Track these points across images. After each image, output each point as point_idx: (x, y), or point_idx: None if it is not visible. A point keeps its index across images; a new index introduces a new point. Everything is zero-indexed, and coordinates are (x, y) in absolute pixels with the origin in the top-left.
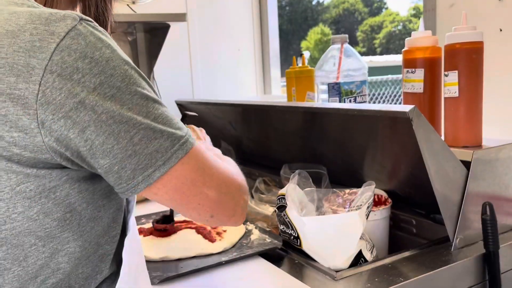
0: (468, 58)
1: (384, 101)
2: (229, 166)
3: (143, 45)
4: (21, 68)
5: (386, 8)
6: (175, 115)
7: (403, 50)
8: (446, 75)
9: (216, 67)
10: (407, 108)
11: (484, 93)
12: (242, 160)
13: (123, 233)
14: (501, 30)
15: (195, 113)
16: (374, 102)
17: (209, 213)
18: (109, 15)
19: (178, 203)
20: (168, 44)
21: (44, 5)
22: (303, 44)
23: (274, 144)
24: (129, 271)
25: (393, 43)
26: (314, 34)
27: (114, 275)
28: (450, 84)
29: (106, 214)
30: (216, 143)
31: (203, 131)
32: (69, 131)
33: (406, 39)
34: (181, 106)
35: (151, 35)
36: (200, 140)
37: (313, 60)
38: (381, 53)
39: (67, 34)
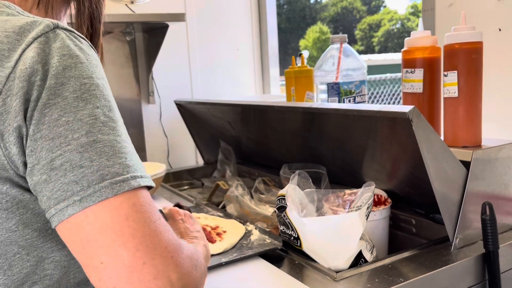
0: (467, 58)
1: (382, 100)
2: (180, 241)
3: (142, 45)
4: None
5: (385, 7)
6: (136, 154)
7: (402, 50)
8: (445, 75)
9: (215, 66)
10: (407, 108)
11: (484, 93)
12: (242, 159)
13: None
14: (500, 30)
15: (188, 208)
16: (373, 101)
17: (113, 283)
18: (103, 10)
19: (79, 255)
20: (166, 44)
21: (38, 5)
22: (302, 42)
23: (273, 144)
24: None
25: (391, 41)
26: (312, 32)
27: None
28: (449, 84)
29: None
30: (215, 143)
31: (187, 215)
32: (20, 142)
33: (405, 39)
34: (180, 106)
35: (150, 35)
36: (186, 236)
37: (312, 59)
38: (379, 52)
39: (35, 40)
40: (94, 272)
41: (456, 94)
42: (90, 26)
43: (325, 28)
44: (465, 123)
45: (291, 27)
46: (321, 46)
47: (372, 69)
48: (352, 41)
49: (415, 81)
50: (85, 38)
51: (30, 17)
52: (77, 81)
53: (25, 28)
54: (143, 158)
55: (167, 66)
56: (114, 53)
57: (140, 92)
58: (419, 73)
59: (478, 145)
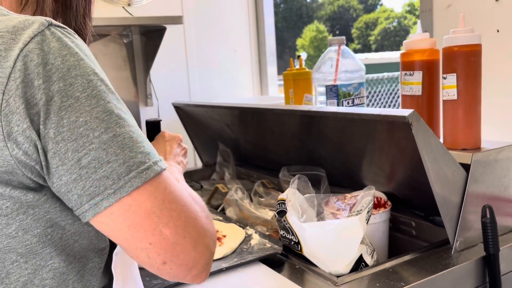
0: (466, 61)
1: (380, 100)
2: (197, 207)
3: (139, 48)
4: None
5: (381, 5)
6: (146, 139)
7: (400, 52)
8: (444, 78)
9: (213, 68)
10: (406, 112)
11: (482, 95)
12: (240, 162)
13: (113, 244)
14: (498, 31)
15: (157, 118)
16: (370, 101)
17: (161, 258)
18: (89, 31)
19: (125, 240)
20: (164, 46)
21: (24, 6)
22: (299, 41)
23: (272, 146)
24: (123, 284)
25: (388, 40)
26: (309, 31)
27: None
28: (448, 87)
29: (92, 227)
30: (213, 145)
31: (177, 138)
32: (35, 144)
33: (404, 41)
34: (178, 108)
35: (147, 37)
36: (168, 159)
37: (309, 58)
38: (376, 50)
39: (32, 39)
40: (143, 252)
41: (455, 97)
42: (79, 23)
43: (322, 27)
44: (464, 126)
45: (288, 26)
46: (318, 44)
47: (369, 68)
48: (349, 40)
49: (414, 83)
50: (75, 33)
51: (22, 16)
52: (84, 79)
53: (19, 27)
54: None
55: (165, 68)
56: (112, 55)
57: (138, 95)
58: (418, 76)
59: (477, 148)
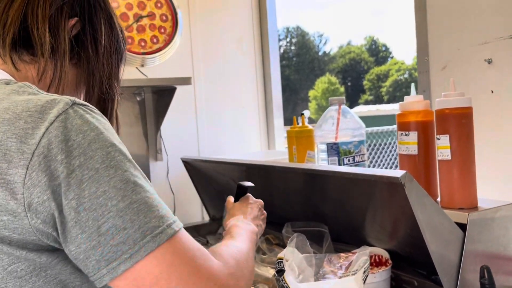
0: (458, 123)
1: (391, 151)
2: (214, 263)
3: (151, 105)
4: (13, 154)
5: (392, 57)
6: (161, 201)
7: (396, 114)
8: (438, 139)
9: (222, 124)
10: (399, 173)
11: (478, 153)
12: None
13: None
14: (492, 92)
15: (250, 183)
16: (381, 153)
17: None
18: (115, 92)
19: None
20: (175, 103)
21: (49, 88)
22: (311, 93)
23: (277, 201)
24: None
25: (400, 91)
26: (321, 83)
27: None
28: (442, 147)
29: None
30: (221, 199)
31: (260, 203)
32: (54, 213)
33: (399, 103)
34: (187, 163)
35: (159, 95)
36: (239, 216)
37: (321, 108)
38: (388, 101)
39: (57, 118)
40: None
41: (449, 157)
42: (100, 107)
43: (334, 79)
44: (460, 185)
45: (300, 78)
46: (330, 96)
47: (381, 119)
48: (360, 91)
49: (410, 143)
50: (96, 109)
51: (49, 95)
52: (103, 151)
53: (46, 107)
54: None
55: (175, 124)
56: (124, 113)
57: (148, 150)
58: (413, 136)
59: (474, 207)
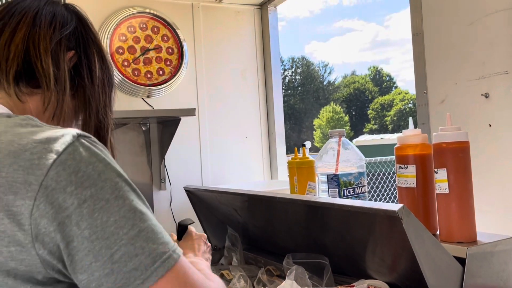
0: (455, 157)
1: (395, 181)
2: (212, 284)
3: (156, 135)
4: (19, 186)
5: (396, 87)
6: (161, 226)
7: (395, 147)
8: (436, 172)
9: (225, 154)
10: (396, 207)
11: (477, 187)
12: (248, 245)
13: None
14: (490, 126)
15: (191, 221)
16: (384, 182)
17: None
18: (110, 120)
19: None
20: (179, 133)
21: (53, 118)
22: (316, 122)
23: (279, 232)
24: None
25: (404, 120)
26: (326, 112)
27: None
28: (440, 180)
29: None
30: (223, 229)
31: (203, 236)
32: (60, 244)
33: (397, 136)
34: (190, 192)
35: (164, 125)
36: (190, 254)
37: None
38: (392, 130)
39: (65, 150)
40: None
41: (447, 191)
42: (97, 134)
43: (338, 108)
44: (458, 219)
45: (305, 107)
46: (334, 125)
47: (385, 149)
48: (365, 120)
49: (409, 176)
50: (98, 141)
51: (52, 127)
52: (112, 182)
53: (51, 138)
54: None
55: (179, 154)
56: (129, 142)
57: (152, 179)
58: (411, 169)
59: (473, 241)
